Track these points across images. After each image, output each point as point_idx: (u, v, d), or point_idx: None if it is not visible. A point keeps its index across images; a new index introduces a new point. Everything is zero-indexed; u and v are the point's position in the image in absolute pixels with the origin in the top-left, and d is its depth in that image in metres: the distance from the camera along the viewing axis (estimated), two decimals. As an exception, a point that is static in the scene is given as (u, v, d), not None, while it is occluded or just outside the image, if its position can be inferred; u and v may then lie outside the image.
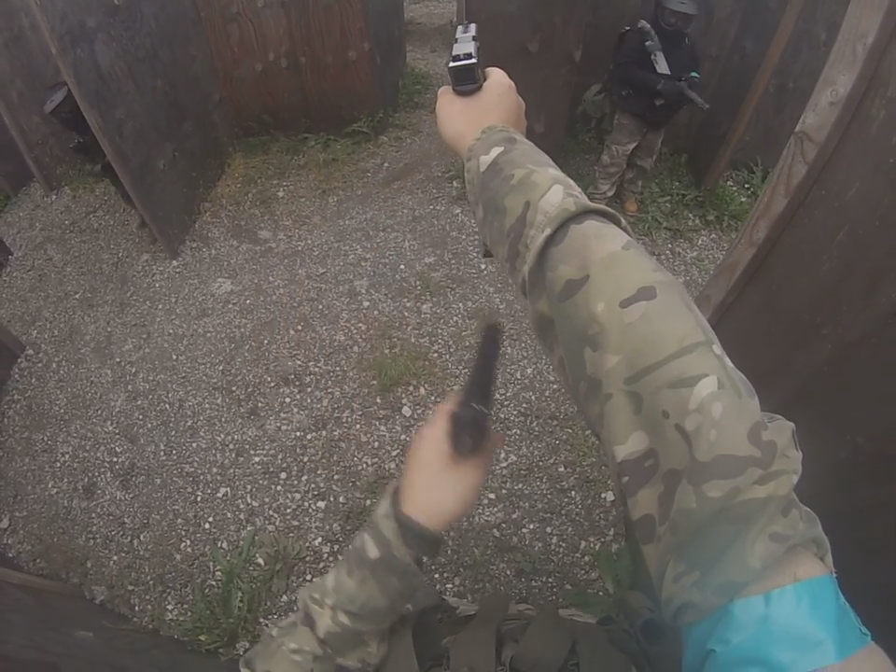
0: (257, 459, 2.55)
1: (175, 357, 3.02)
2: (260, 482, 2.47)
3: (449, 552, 2.20)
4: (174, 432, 2.70)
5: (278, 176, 4.11)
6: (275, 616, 2.09)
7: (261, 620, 2.09)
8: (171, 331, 3.15)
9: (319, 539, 2.28)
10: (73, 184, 4.27)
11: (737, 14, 3.23)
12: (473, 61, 0.60)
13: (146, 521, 2.43)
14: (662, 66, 2.83)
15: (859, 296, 0.95)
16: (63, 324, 3.31)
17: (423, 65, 5.32)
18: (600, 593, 2.03)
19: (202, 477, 2.52)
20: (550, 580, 2.09)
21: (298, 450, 2.56)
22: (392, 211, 3.73)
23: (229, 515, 2.39)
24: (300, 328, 3.06)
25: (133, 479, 2.57)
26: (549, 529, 2.24)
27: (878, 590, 0.64)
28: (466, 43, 0.61)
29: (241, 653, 2.01)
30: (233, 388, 2.83)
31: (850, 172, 0.96)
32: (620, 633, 0.64)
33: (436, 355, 2.86)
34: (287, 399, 2.75)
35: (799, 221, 1.10)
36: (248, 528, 2.33)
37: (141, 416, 2.79)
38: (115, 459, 2.65)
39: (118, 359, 3.06)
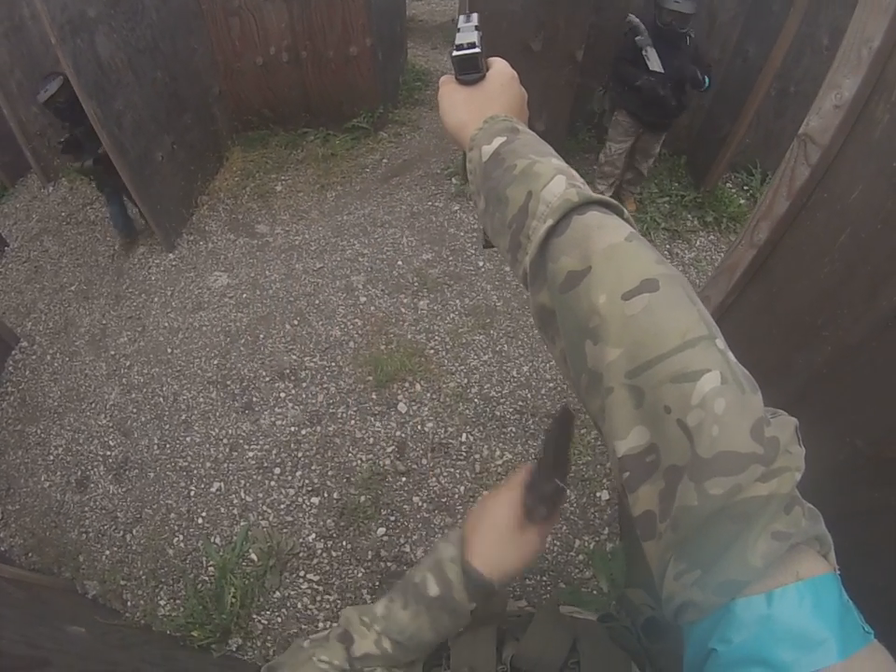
0: (251, 454, 2.54)
1: (170, 350, 3.00)
2: (254, 477, 2.46)
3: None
4: (168, 426, 2.68)
5: (277, 171, 4.09)
6: (268, 612, 2.09)
7: (254, 616, 2.08)
8: (166, 325, 3.13)
9: (313, 536, 2.27)
10: (70, 175, 4.24)
11: (740, 17, 3.23)
12: (477, 50, 0.59)
13: (138, 515, 2.41)
14: (654, 63, 2.81)
15: (860, 299, 0.95)
16: (59, 316, 3.29)
17: (424, 62, 5.31)
18: (594, 591, 2.03)
19: (195, 471, 2.51)
20: (544, 578, 2.09)
21: (292, 445, 2.55)
22: (390, 207, 3.72)
23: (222, 510, 2.38)
24: (296, 322, 3.05)
25: (127, 473, 2.55)
26: (543, 528, 2.23)
27: (879, 593, 0.63)
28: (469, 32, 0.60)
29: (233, 649, 2.00)
30: (228, 382, 2.82)
31: (853, 175, 0.96)
32: (621, 630, 0.64)
33: (432, 351, 2.85)
34: (283, 394, 2.74)
35: (801, 223, 1.10)
36: (242, 524, 2.32)
37: (135, 410, 2.77)
38: (108, 453, 2.63)
39: (112, 352, 3.04)
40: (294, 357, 2.89)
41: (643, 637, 0.61)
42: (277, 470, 2.47)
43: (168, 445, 2.61)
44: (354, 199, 3.82)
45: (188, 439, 2.62)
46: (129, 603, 2.18)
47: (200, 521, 2.36)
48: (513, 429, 2.53)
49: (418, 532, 2.25)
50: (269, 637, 2.04)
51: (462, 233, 3.49)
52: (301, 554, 2.22)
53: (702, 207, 3.60)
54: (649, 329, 0.39)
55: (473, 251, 3.36)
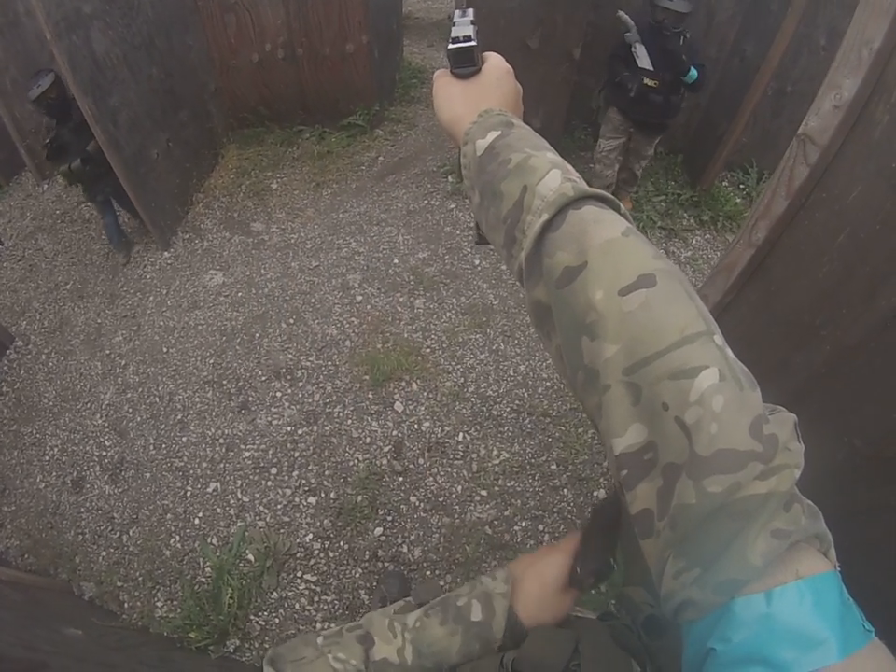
0: (247, 454, 2.53)
1: (165, 349, 2.99)
2: (251, 477, 2.45)
3: (441, 549, 2.19)
4: (163, 426, 2.67)
5: (272, 168, 4.08)
6: (266, 613, 2.08)
7: (252, 617, 2.07)
8: (161, 324, 3.12)
9: (310, 536, 2.26)
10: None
11: (738, 17, 3.23)
12: (473, 43, 0.58)
13: (135, 516, 2.40)
14: (643, 60, 2.80)
15: (859, 299, 0.95)
16: (53, 315, 3.27)
17: (420, 60, 5.29)
18: (592, 590, 2.03)
19: (191, 472, 2.50)
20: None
21: (289, 445, 2.54)
22: (386, 205, 3.71)
23: (219, 511, 2.37)
24: (292, 321, 3.04)
25: (123, 473, 2.54)
26: (541, 527, 2.24)
27: (878, 593, 0.63)
28: (465, 26, 0.60)
29: (231, 651, 2.00)
30: (224, 382, 2.80)
31: (853, 175, 0.96)
32: (621, 628, 0.64)
33: (428, 350, 2.84)
34: (279, 394, 2.73)
35: (799, 223, 1.10)
36: (238, 524, 2.31)
37: (130, 410, 2.76)
38: (104, 453, 2.62)
39: (107, 351, 3.03)
40: (290, 356, 2.88)
41: (644, 634, 0.61)
42: (274, 470, 2.46)
43: (164, 445, 2.60)
44: (349, 197, 3.81)
45: (184, 439, 2.61)
46: (126, 604, 2.17)
47: (196, 521, 2.35)
48: (510, 428, 2.53)
49: (415, 532, 2.24)
50: (267, 638, 2.03)
51: (458, 231, 3.49)
52: (298, 555, 2.22)
53: (698, 206, 3.60)
54: (646, 325, 0.38)
55: (469, 249, 3.35)
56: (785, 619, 0.32)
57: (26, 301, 3.37)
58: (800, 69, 3.19)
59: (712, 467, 0.34)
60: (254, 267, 3.37)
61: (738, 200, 3.64)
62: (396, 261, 3.32)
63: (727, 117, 3.28)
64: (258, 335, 2.99)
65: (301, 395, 2.72)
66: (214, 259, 3.45)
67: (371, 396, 2.68)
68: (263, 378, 2.80)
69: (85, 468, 2.58)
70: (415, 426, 2.56)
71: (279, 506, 2.36)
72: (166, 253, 3.51)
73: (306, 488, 2.40)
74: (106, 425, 2.72)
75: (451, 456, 2.45)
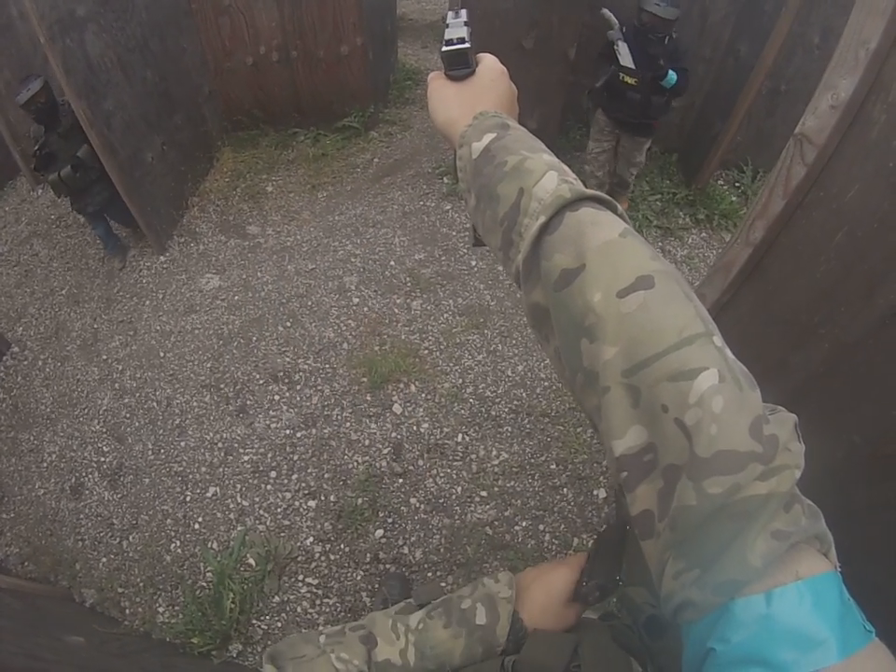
0: (246, 458, 2.52)
1: (162, 354, 2.98)
2: (250, 481, 2.45)
3: (442, 550, 2.19)
4: (161, 431, 2.66)
5: (267, 171, 4.07)
6: (268, 617, 2.08)
7: (254, 621, 2.07)
8: (158, 328, 3.11)
9: (311, 539, 2.26)
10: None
11: (731, 17, 3.24)
12: (467, 45, 0.58)
13: (134, 522, 2.39)
14: (625, 58, 2.79)
15: (857, 298, 0.95)
16: (49, 321, 3.26)
17: (414, 61, 5.29)
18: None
19: (190, 476, 2.49)
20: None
21: (287, 448, 2.53)
22: (382, 207, 3.71)
23: (219, 515, 2.37)
24: (288, 324, 3.04)
25: (121, 479, 2.53)
26: (541, 527, 2.24)
27: (878, 591, 0.63)
28: (458, 28, 0.60)
29: (234, 655, 1.99)
30: (222, 386, 2.80)
31: (850, 174, 0.97)
32: (622, 629, 0.64)
33: (426, 351, 2.84)
34: (277, 397, 2.73)
35: (797, 222, 1.10)
36: (239, 528, 2.31)
37: (128, 415, 2.75)
38: (102, 459, 2.61)
39: (104, 357, 3.02)
40: (287, 359, 2.88)
41: (644, 635, 0.61)
42: (273, 474, 2.46)
43: (162, 450, 2.59)
44: (345, 199, 3.81)
45: (182, 443, 2.60)
46: (127, 611, 2.16)
47: (196, 526, 2.34)
48: (509, 429, 2.53)
49: (416, 534, 2.24)
50: (269, 643, 2.02)
51: (454, 233, 3.48)
52: (299, 558, 2.21)
53: (694, 205, 3.61)
54: (645, 326, 0.38)
55: (466, 250, 3.35)
56: (784, 619, 0.32)
57: (22, 306, 3.36)
58: (794, 68, 3.19)
59: (712, 468, 0.34)
60: (250, 270, 3.37)
61: (734, 198, 3.65)
62: (392, 263, 3.32)
63: (722, 116, 3.29)
64: (255, 339, 2.99)
65: (299, 398, 2.71)
66: (210, 263, 3.45)
67: (369, 398, 2.68)
68: (261, 382, 2.80)
69: (83, 474, 2.57)
70: (414, 427, 2.55)
71: (279, 509, 2.35)
72: (162, 257, 3.50)
73: (306, 491, 2.40)
74: (104, 430, 2.71)
75: (450, 457, 2.44)
